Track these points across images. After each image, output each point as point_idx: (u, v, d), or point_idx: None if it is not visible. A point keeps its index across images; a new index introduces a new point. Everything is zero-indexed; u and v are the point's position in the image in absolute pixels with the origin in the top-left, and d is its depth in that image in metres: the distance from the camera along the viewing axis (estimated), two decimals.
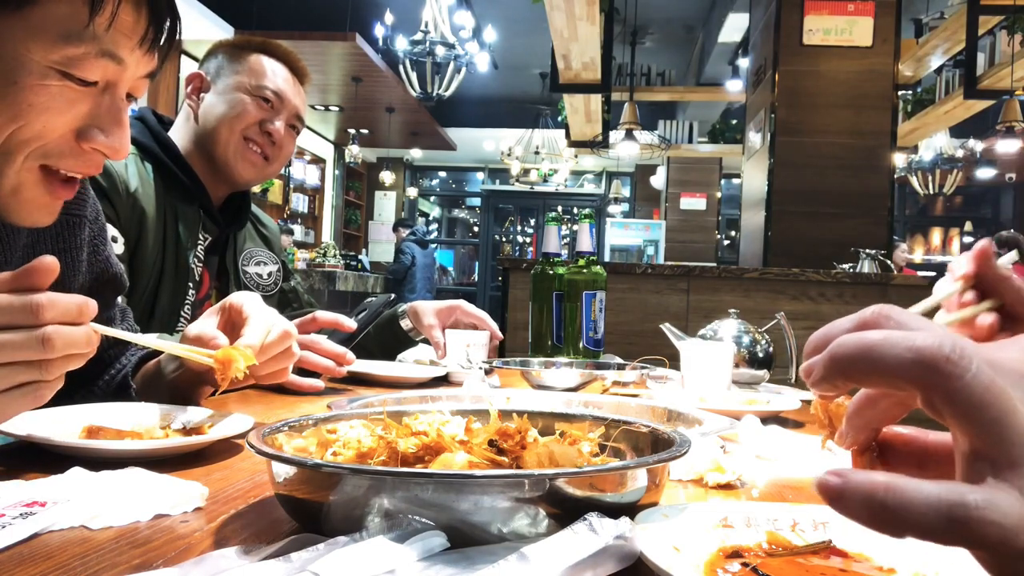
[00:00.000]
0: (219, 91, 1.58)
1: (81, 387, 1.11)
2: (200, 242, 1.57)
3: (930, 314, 0.75)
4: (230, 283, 1.65)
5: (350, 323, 1.41)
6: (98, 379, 1.12)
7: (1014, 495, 0.29)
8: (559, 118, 8.91)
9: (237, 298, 1.00)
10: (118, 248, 1.39)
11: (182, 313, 1.52)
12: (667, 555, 0.45)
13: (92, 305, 0.67)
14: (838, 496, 0.30)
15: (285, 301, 1.82)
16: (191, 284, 1.54)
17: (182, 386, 1.04)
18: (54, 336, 0.63)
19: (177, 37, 0.87)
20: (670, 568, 0.43)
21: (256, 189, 9.42)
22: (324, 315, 1.42)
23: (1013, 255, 0.80)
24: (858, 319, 0.33)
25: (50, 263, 0.65)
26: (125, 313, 1.19)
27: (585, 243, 1.76)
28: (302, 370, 1.33)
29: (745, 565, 0.46)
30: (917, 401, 0.32)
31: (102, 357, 1.13)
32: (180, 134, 1.60)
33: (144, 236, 1.46)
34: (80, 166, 0.82)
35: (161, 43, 0.84)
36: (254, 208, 1.79)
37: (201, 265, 1.57)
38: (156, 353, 1.09)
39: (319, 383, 1.29)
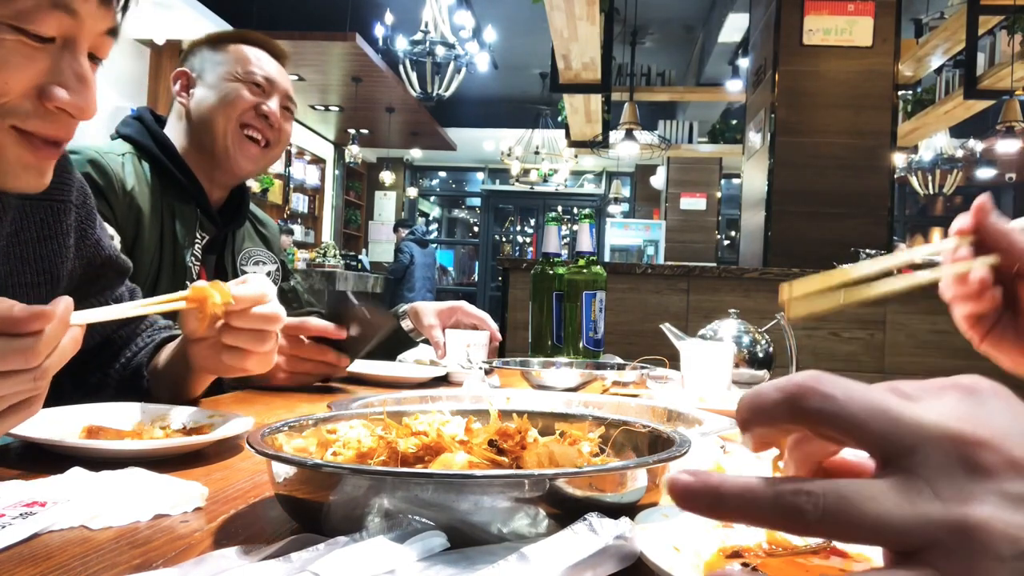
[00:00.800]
0: (208, 84, 1.57)
1: (96, 371, 1.11)
2: (198, 240, 1.56)
3: (888, 274, 0.74)
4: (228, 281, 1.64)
5: (340, 332, 1.39)
6: (113, 363, 1.12)
7: (892, 485, 0.29)
8: (559, 118, 8.91)
9: (251, 275, 0.96)
10: (115, 246, 1.40)
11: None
12: (667, 555, 0.45)
13: (71, 305, 0.65)
14: (682, 495, 0.31)
15: (285, 301, 1.79)
16: (188, 282, 1.54)
17: (177, 371, 1.04)
18: (48, 368, 0.63)
19: None
20: (670, 568, 0.43)
21: (256, 188, 9.43)
22: (315, 322, 1.37)
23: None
24: (784, 391, 0.33)
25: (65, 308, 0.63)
26: (134, 293, 1.19)
27: (585, 243, 1.76)
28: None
29: (745, 565, 0.46)
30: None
31: (113, 340, 1.13)
32: (174, 133, 1.60)
33: (141, 234, 1.45)
34: (49, 128, 0.79)
35: None
36: (253, 208, 1.78)
37: (199, 264, 1.57)
38: (172, 339, 1.09)
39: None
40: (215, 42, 1.62)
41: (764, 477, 0.31)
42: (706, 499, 0.31)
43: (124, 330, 1.14)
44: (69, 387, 1.13)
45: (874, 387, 0.33)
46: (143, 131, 1.56)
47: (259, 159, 1.61)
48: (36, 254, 0.99)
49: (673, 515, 0.53)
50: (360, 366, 1.42)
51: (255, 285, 0.91)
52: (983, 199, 0.72)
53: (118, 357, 1.12)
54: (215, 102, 1.56)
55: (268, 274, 1.73)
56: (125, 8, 0.83)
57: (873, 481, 0.30)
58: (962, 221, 0.75)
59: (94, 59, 0.83)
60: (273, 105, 1.59)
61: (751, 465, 0.80)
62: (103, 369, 1.11)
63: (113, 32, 0.84)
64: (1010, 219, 0.97)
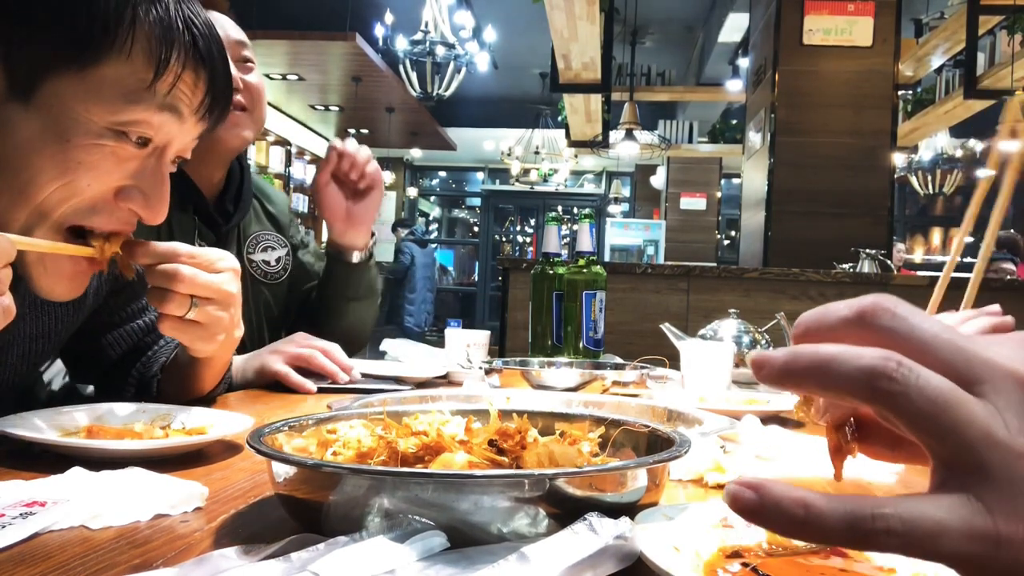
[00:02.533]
0: None
1: (121, 378, 1.13)
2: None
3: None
4: (243, 278, 1.59)
5: (344, 377, 1.35)
6: (135, 363, 1.14)
7: (952, 499, 0.30)
8: (559, 118, 8.91)
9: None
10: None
11: None
12: (667, 555, 0.45)
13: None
14: (754, 511, 0.30)
15: (296, 282, 1.70)
16: None
17: (184, 368, 1.06)
18: None
19: (230, 106, 0.87)
20: (670, 568, 0.43)
21: None
22: (325, 361, 1.34)
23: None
24: (857, 307, 0.33)
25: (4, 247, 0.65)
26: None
27: (585, 243, 1.76)
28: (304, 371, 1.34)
29: (745, 565, 0.46)
30: None
31: (139, 347, 1.15)
32: None
33: None
34: (110, 223, 0.80)
35: (216, 110, 0.84)
36: (260, 183, 1.68)
37: None
38: None
39: (312, 386, 1.29)
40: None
41: (844, 499, 0.31)
42: (796, 522, 0.30)
43: (150, 337, 1.16)
44: (96, 393, 1.15)
45: (941, 353, 0.32)
46: None
47: (243, 124, 1.46)
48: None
49: (673, 515, 0.53)
50: (358, 365, 1.42)
51: (173, 243, 0.89)
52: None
53: (139, 359, 1.14)
54: None
55: (278, 260, 1.64)
56: (220, 119, 0.86)
57: (941, 498, 0.30)
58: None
59: (176, 159, 0.85)
60: (253, 78, 1.48)
61: (751, 465, 0.80)
62: (127, 373, 1.13)
63: (201, 137, 0.86)
64: (1010, 219, 0.97)
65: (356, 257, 1.63)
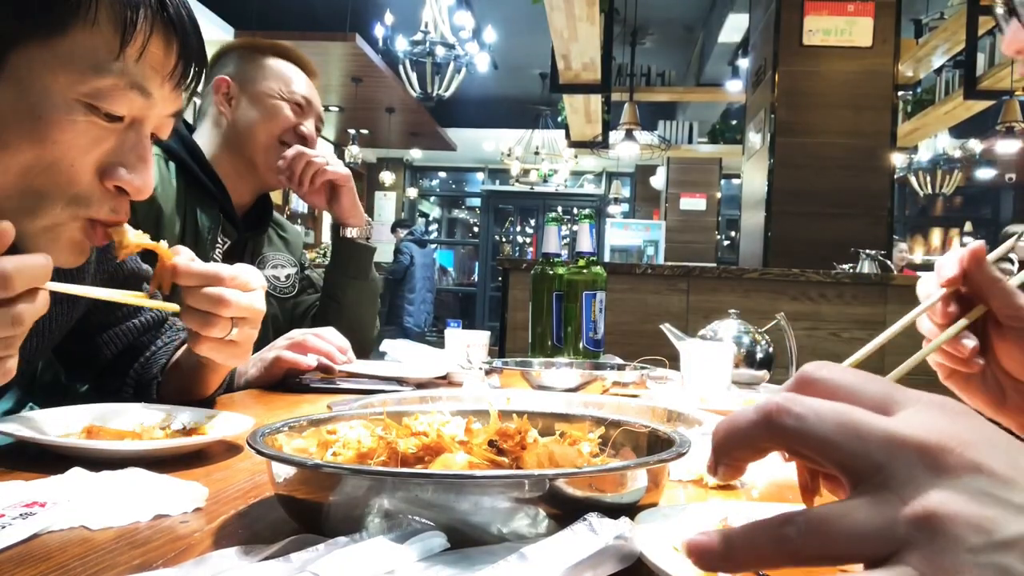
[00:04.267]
0: (251, 96, 1.62)
1: (118, 377, 1.12)
2: (219, 245, 1.57)
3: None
4: None
5: (342, 359, 1.38)
6: (132, 364, 1.13)
7: (863, 501, 0.31)
8: (559, 118, 8.91)
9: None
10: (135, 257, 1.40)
11: None
12: (667, 555, 0.45)
13: (49, 262, 0.66)
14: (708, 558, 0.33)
15: (302, 289, 1.83)
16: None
17: (187, 370, 1.05)
18: (24, 313, 0.63)
19: (203, 78, 0.86)
20: (670, 568, 0.43)
21: None
22: (319, 341, 1.37)
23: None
24: (762, 411, 0.34)
25: (5, 228, 0.63)
26: (155, 296, 1.20)
27: (585, 243, 1.76)
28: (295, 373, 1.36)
29: None
30: None
31: (136, 345, 1.14)
32: (207, 138, 1.62)
33: (160, 235, 1.45)
34: (109, 211, 0.80)
35: (189, 79, 0.82)
36: (277, 216, 1.81)
37: None
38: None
39: (311, 360, 1.32)
40: (252, 50, 1.66)
41: (762, 519, 0.33)
42: (719, 553, 0.33)
43: (146, 336, 1.15)
44: (91, 392, 1.15)
45: (861, 387, 0.35)
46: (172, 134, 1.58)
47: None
48: (57, 271, 1.00)
49: (673, 515, 0.53)
50: (358, 366, 1.42)
51: (212, 265, 0.89)
52: (978, 246, 0.70)
53: (137, 359, 1.13)
54: (258, 117, 1.61)
55: (287, 277, 1.76)
56: (193, 93, 0.85)
57: (847, 501, 0.32)
58: (950, 269, 0.72)
59: (153, 138, 0.84)
60: (310, 127, 1.67)
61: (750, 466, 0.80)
62: (123, 373, 1.12)
63: (177, 114, 0.84)
64: (1010, 219, 0.97)
65: (351, 232, 1.73)
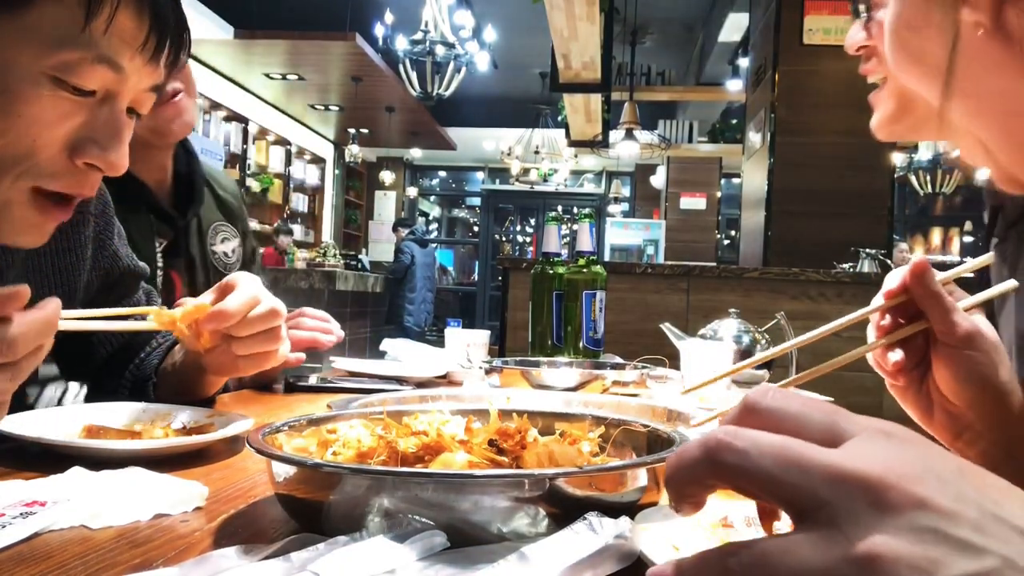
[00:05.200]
0: None
1: (114, 377, 1.12)
2: (157, 249, 1.44)
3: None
4: (196, 270, 1.50)
5: (328, 339, 1.35)
6: (127, 365, 1.13)
7: (807, 537, 0.31)
8: (559, 118, 8.91)
9: (234, 276, 0.95)
10: (131, 253, 1.33)
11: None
12: (667, 554, 0.45)
13: (58, 307, 0.66)
14: None
15: (247, 262, 1.68)
16: (159, 298, 1.36)
17: (190, 373, 1.04)
18: (25, 368, 0.62)
19: (186, 48, 0.82)
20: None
21: (256, 188, 9.42)
22: (300, 332, 1.34)
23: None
24: (703, 446, 0.34)
25: (24, 293, 0.63)
26: (151, 296, 1.19)
27: (585, 243, 1.76)
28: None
29: None
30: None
31: (131, 344, 1.14)
32: None
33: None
34: (73, 185, 0.77)
35: (164, 52, 0.79)
36: (208, 167, 1.63)
37: (161, 273, 1.45)
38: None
39: (301, 356, 1.29)
40: None
41: (712, 548, 0.33)
42: None
43: (141, 336, 1.15)
44: (88, 391, 1.14)
45: (806, 416, 0.34)
46: None
47: (186, 108, 1.42)
48: (54, 267, 0.99)
49: (673, 515, 0.53)
50: (357, 365, 1.42)
51: (243, 292, 0.90)
52: (921, 261, 0.71)
53: (132, 360, 1.13)
54: None
55: (233, 251, 1.61)
56: (173, 65, 0.81)
57: (791, 536, 0.31)
58: (892, 282, 0.73)
59: (132, 113, 0.81)
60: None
61: None
62: (119, 373, 1.12)
63: (157, 88, 0.82)
64: (1012, 219, 0.97)
65: None
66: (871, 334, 0.77)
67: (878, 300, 0.74)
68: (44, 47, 0.72)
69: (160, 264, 1.43)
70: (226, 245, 1.59)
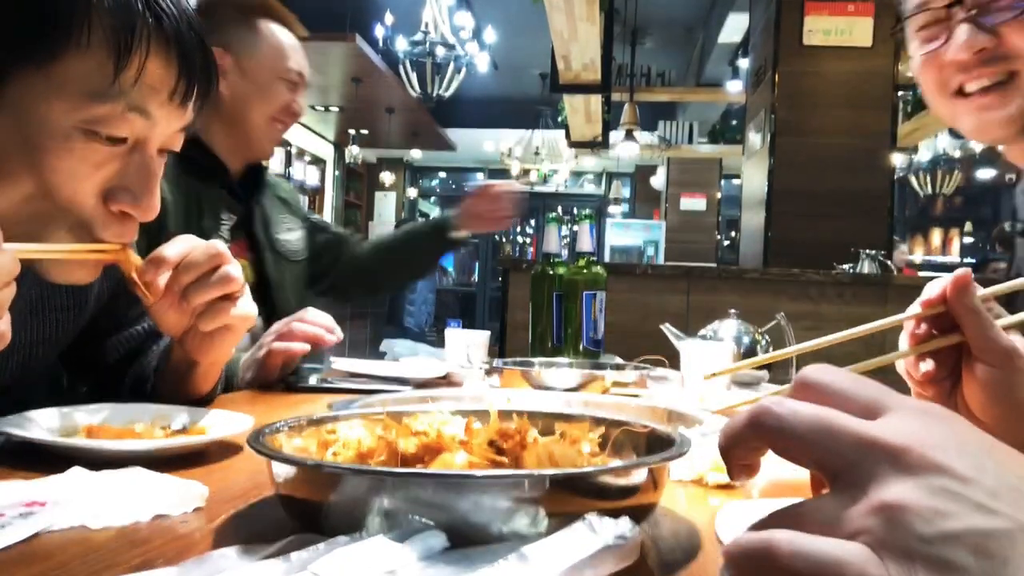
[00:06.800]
0: (246, 71, 1.59)
1: (117, 381, 1.12)
2: (224, 222, 1.58)
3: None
4: (265, 252, 1.67)
5: (329, 338, 1.36)
6: (127, 369, 1.13)
7: (834, 496, 0.33)
8: (559, 119, 8.91)
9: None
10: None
11: None
12: None
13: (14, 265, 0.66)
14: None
15: (330, 253, 1.92)
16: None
17: (180, 366, 1.04)
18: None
19: (214, 87, 0.82)
20: None
21: None
22: (305, 325, 1.35)
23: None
24: (749, 415, 0.37)
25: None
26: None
27: (585, 243, 1.76)
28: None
29: None
30: None
31: (140, 350, 1.15)
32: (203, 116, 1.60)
33: (165, 225, 1.43)
34: (117, 234, 0.78)
35: (194, 96, 0.79)
36: (272, 179, 1.83)
37: (227, 243, 1.56)
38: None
39: (305, 347, 1.31)
40: (244, 12, 1.62)
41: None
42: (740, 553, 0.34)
43: (149, 341, 1.16)
44: (89, 394, 1.15)
45: (852, 391, 0.37)
46: None
47: (278, 142, 1.71)
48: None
49: (753, 509, 0.53)
50: (357, 366, 1.42)
51: (177, 241, 0.89)
52: (963, 273, 0.70)
53: (132, 364, 1.14)
54: (254, 97, 1.60)
55: (297, 239, 1.79)
56: (203, 107, 0.82)
57: (824, 497, 0.34)
58: (931, 291, 0.73)
59: (163, 152, 0.82)
60: (302, 101, 1.67)
61: None
62: (120, 376, 1.13)
63: (187, 128, 0.82)
64: (1012, 220, 0.97)
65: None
66: (903, 341, 0.76)
67: (914, 308, 0.74)
68: (75, 101, 0.71)
69: (227, 237, 1.58)
70: (291, 235, 1.77)
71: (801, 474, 0.58)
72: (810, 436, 0.34)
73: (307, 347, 1.31)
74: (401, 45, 6.86)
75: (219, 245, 0.91)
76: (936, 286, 0.72)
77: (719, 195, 10.39)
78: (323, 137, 11.65)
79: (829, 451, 0.34)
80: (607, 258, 10.20)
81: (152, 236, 1.41)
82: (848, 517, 0.32)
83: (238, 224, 1.63)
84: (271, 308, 1.63)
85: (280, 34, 1.64)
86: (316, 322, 1.35)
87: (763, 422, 0.36)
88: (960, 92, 0.95)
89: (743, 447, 0.37)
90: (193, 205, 1.52)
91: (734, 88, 8.02)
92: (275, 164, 9.98)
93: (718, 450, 0.39)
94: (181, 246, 0.89)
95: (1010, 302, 0.84)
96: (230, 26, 1.60)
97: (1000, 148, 1.01)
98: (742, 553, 0.33)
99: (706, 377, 0.77)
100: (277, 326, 1.37)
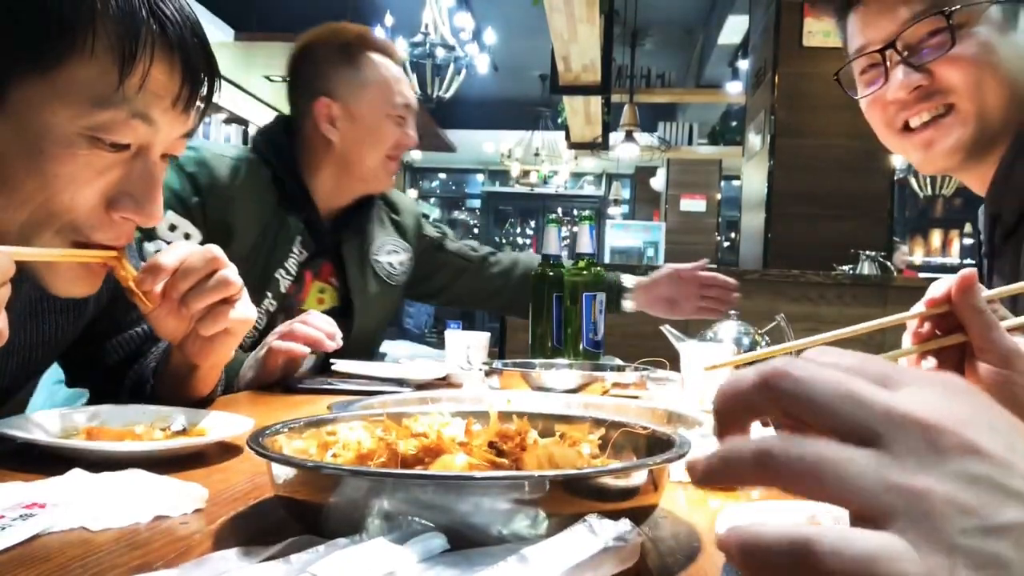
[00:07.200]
0: (355, 118, 1.58)
1: (113, 376, 1.12)
2: (293, 255, 1.55)
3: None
4: (355, 276, 1.65)
5: (329, 344, 1.35)
6: (127, 371, 1.13)
7: (862, 452, 0.31)
8: (559, 120, 8.92)
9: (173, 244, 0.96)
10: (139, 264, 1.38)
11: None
12: None
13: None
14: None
15: (445, 271, 1.88)
16: (270, 294, 1.53)
17: (180, 369, 1.04)
18: None
19: (217, 93, 0.83)
20: None
21: None
22: (306, 328, 1.34)
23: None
24: (761, 373, 0.34)
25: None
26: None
27: (585, 244, 1.76)
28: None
29: None
30: None
31: (140, 352, 1.15)
32: (306, 154, 1.59)
33: (233, 240, 1.45)
34: (112, 238, 0.78)
35: (197, 102, 0.80)
36: (393, 196, 1.80)
37: (290, 278, 1.56)
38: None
39: (305, 348, 1.30)
40: (345, 55, 1.60)
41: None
42: (703, 467, 0.33)
43: (148, 343, 1.16)
44: (89, 396, 1.15)
45: (860, 365, 0.34)
46: (271, 140, 1.59)
47: (396, 171, 1.68)
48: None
49: (760, 512, 0.53)
50: (357, 367, 1.42)
51: (173, 248, 0.90)
52: (969, 273, 0.71)
53: (131, 366, 1.13)
54: (365, 140, 1.58)
55: (400, 263, 1.76)
56: (204, 113, 0.82)
57: (850, 447, 0.31)
58: (936, 291, 0.73)
59: (166, 157, 0.82)
60: (413, 132, 1.64)
61: None
62: (120, 378, 1.13)
63: (189, 134, 0.82)
64: (1010, 228, 0.98)
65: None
66: (907, 340, 0.77)
67: (919, 307, 0.74)
68: (79, 107, 0.72)
69: (292, 270, 1.56)
70: (392, 257, 1.74)
71: None
72: (833, 400, 0.32)
73: (307, 349, 1.31)
74: (401, 46, 6.86)
75: (215, 250, 0.91)
76: (941, 286, 0.72)
77: (719, 196, 10.39)
78: None
79: (853, 417, 0.31)
80: (607, 259, 10.20)
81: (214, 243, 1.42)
82: (877, 484, 0.30)
83: (319, 253, 1.60)
84: (347, 331, 1.63)
85: (383, 68, 1.61)
86: (318, 326, 1.35)
87: (778, 384, 0.33)
88: (907, 128, 1.01)
89: (746, 409, 0.35)
90: (272, 228, 1.51)
91: (734, 89, 8.03)
92: None
93: (715, 406, 0.36)
94: (178, 253, 0.89)
95: (1014, 304, 0.85)
96: (333, 70, 1.59)
97: (956, 178, 1.06)
98: (768, 548, 0.30)
99: (707, 368, 0.77)
100: (281, 326, 1.37)
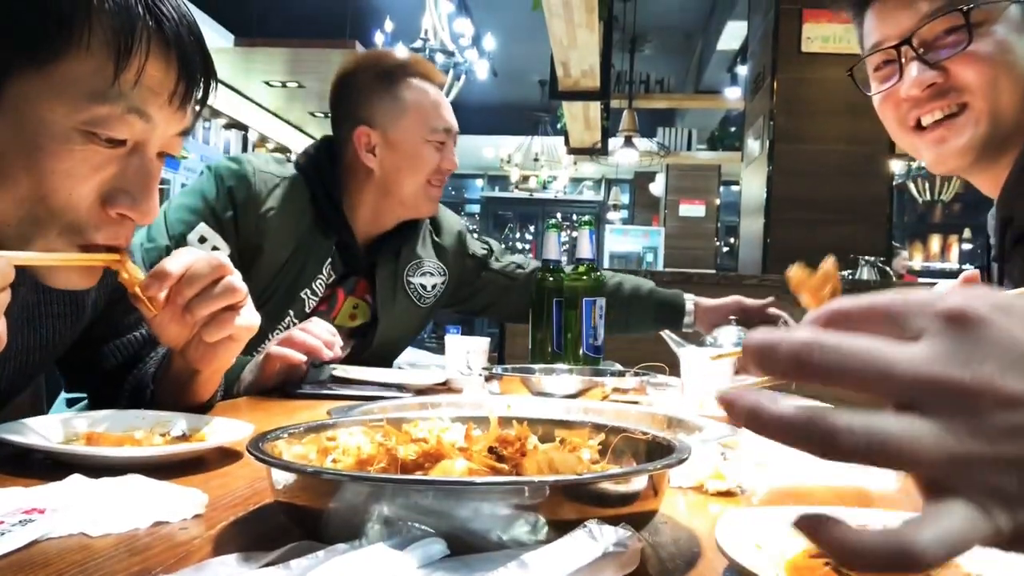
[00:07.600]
0: (394, 146, 1.58)
1: (112, 381, 1.12)
2: (321, 276, 1.56)
3: None
4: (394, 296, 1.65)
5: (327, 353, 1.35)
6: (127, 375, 1.13)
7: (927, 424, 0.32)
8: (558, 125, 8.93)
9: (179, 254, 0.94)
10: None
11: (269, 335, 1.48)
12: (749, 553, 0.46)
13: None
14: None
15: (490, 288, 1.86)
16: (292, 312, 1.54)
17: (181, 374, 1.04)
18: None
19: (213, 91, 0.83)
20: (751, 566, 0.43)
21: None
22: (306, 336, 1.33)
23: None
24: (792, 337, 0.35)
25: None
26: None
27: (585, 250, 1.76)
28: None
29: (828, 564, 0.46)
30: None
31: (138, 357, 1.15)
32: (346, 180, 1.60)
33: (263, 256, 1.46)
34: (111, 236, 0.78)
35: (193, 99, 0.80)
36: (441, 217, 1.80)
37: (315, 298, 1.56)
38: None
39: (301, 356, 1.30)
40: (385, 81, 1.60)
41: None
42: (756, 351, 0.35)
43: (147, 348, 1.16)
44: (88, 401, 1.15)
45: (872, 310, 0.36)
46: (313, 162, 1.59)
47: (439, 195, 1.67)
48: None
49: (756, 516, 0.53)
50: (358, 372, 1.42)
51: (179, 254, 0.89)
52: (973, 274, 0.71)
53: (130, 371, 1.13)
54: (405, 167, 1.58)
55: (433, 287, 1.74)
56: (200, 112, 0.82)
57: (907, 416, 0.32)
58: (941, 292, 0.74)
59: (163, 156, 0.82)
60: (453, 156, 1.64)
61: (751, 472, 0.80)
62: (119, 383, 1.12)
63: (185, 132, 0.82)
64: (1020, 234, 0.98)
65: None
66: None
67: None
68: (75, 102, 0.72)
69: (319, 291, 1.56)
70: (425, 279, 1.72)
71: (800, 482, 0.58)
72: (865, 372, 0.33)
73: (303, 357, 1.31)
74: (401, 52, 6.88)
75: (221, 257, 0.91)
76: (943, 289, 0.72)
77: (718, 201, 10.41)
78: None
79: (886, 389, 0.32)
80: (606, 265, 10.19)
81: (245, 260, 1.43)
82: (923, 373, 0.31)
83: (353, 272, 1.62)
84: (369, 342, 1.65)
85: (421, 94, 1.61)
86: (317, 334, 1.34)
87: (809, 358, 0.33)
88: (919, 126, 1.00)
89: (774, 374, 0.35)
90: (301, 253, 1.52)
91: (733, 95, 8.05)
92: None
93: (745, 348, 0.36)
94: (183, 259, 0.89)
95: None
96: (371, 97, 1.59)
97: (966, 179, 1.05)
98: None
99: (712, 358, 0.77)
100: (284, 334, 1.37)
